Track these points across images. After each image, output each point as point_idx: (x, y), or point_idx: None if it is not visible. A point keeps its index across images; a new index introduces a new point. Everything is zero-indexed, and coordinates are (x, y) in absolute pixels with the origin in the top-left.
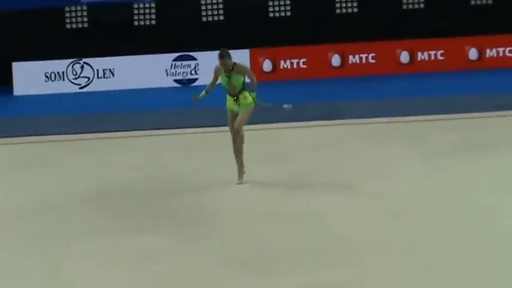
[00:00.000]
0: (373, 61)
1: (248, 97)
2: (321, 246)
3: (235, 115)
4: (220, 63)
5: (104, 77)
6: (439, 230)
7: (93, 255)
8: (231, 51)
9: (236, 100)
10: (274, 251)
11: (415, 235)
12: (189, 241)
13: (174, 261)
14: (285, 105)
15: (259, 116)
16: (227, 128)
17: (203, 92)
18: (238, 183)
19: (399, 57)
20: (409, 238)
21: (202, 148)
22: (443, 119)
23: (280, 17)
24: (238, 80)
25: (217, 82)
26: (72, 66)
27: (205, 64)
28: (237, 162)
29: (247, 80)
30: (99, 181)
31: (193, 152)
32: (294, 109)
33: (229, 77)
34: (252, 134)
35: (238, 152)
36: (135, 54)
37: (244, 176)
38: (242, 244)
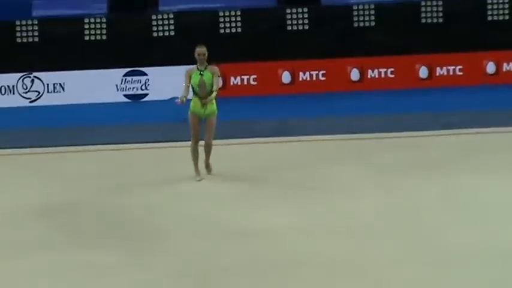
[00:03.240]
0: (324, 78)
1: (214, 103)
2: (272, 264)
3: (199, 119)
4: (201, 54)
5: (54, 91)
6: (391, 248)
7: (44, 268)
8: (182, 67)
9: (203, 104)
10: (225, 267)
11: (367, 253)
12: (141, 255)
13: (126, 275)
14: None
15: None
16: (179, 144)
17: (183, 96)
18: (199, 179)
19: (350, 74)
20: (361, 256)
21: (153, 163)
22: (393, 137)
23: (231, 33)
24: (209, 78)
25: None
26: (23, 80)
27: (156, 79)
28: (196, 162)
29: None
30: (49, 195)
31: (144, 167)
32: (245, 125)
33: (202, 74)
34: (199, 150)
35: (207, 162)
36: (85, 69)
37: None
38: (194, 259)
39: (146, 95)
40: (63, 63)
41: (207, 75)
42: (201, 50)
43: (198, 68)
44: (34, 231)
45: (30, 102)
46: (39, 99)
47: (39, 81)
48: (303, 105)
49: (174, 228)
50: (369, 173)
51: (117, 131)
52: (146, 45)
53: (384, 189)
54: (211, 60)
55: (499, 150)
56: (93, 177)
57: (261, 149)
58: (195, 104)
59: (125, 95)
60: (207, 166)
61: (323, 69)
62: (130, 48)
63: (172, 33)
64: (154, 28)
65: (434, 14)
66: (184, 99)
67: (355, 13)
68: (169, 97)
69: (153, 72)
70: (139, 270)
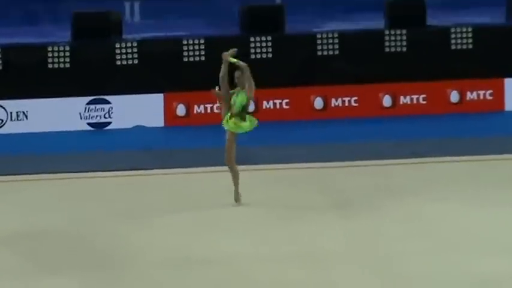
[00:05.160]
0: (287, 107)
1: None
2: None
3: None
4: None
5: (18, 120)
6: (349, 275)
7: None
8: (146, 95)
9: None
10: None
11: (328, 281)
12: (105, 284)
13: None
14: None
15: (169, 161)
16: (140, 172)
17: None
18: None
19: (313, 103)
20: (322, 284)
21: (116, 192)
22: (356, 165)
23: (194, 61)
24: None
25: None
26: None
27: (119, 108)
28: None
29: None
30: (12, 223)
31: (107, 195)
32: (208, 153)
33: (238, 96)
34: (163, 178)
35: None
36: (49, 97)
37: None
38: None
39: (110, 123)
40: (26, 91)
41: (240, 95)
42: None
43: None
44: None
45: None
46: (2, 128)
47: (3, 109)
48: (266, 133)
49: (138, 256)
50: (332, 200)
51: (80, 159)
52: (110, 73)
53: (347, 217)
54: (172, 87)
55: (462, 178)
56: (57, 205)
57: (222, 177)
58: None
59: (89, 123)
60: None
61: (286, 98)
62: (94, 77)
63: (135, 61)
64: (118, 56)
65: (398, 43)
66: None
67: (319, 41)
68: (132, 125)
69: (117, 101)
70: None
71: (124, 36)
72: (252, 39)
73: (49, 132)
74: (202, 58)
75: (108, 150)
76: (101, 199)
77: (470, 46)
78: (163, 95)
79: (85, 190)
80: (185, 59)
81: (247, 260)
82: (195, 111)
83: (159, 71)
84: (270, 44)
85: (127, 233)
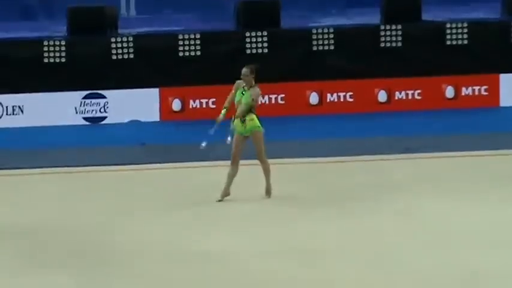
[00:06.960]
0: (282, 102)
1: (255, 120)
2: (234, 286)
3: (242, 138)
4: (243, 75)
5: (13, 114)
6: (346, 271)
7: None
8: (141, 90)
9: (243, 122)
10: None
11: (323, 276)
12: (102, 280)
13: None
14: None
15: (167, 155)
16: (136, 167)
17: (223, 111)
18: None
19: (308, 98)
20: (316, 280)
21: (112, 187)
22: (351, 161)
23: (190, 56)
24: (247, 98)
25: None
26: None
27: (115, 102)
28: (227, 181)
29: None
30: (9, 218)
31: (102, 191)
32: (205, 149)
33: (243, 94)
34: (159, 173)
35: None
36: (44, 92)
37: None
38: (160, 283)
39: (105, 117)
40: (22, 85)
41: (246, 95)
42: (243, 71)
43: (243, 87)
44: None
45: None
46: None
47: None
48: None
49: (136, 252)
50: (327, 196)
51: (76, 153)
52: (105, 68)
53: (343, 212)
54: (167, 82)
55: (457, 174)
56: (53, 200)
57: (218, 172)
58: (235, 123)
59: (84, 118)
60: (266, 190)
61: (282, 93)
62: (90, 71)
63: (131, 56)
64: (114, 51)
65: (394, 38)
66: (222, 116)
67: (315, 37)
68: (128, 120)
69: (112, 95)
70: None
71: (120, 31)
72: (247, 34)
73: (45, 126)
74: (198, 53)
75: (103, 145)
76: (96, 194)
77: (466, 42)
78: (159, 90)
79: (80, 185)
80: (181, 54)
81: (245, 255)
82: (190, 106)
83: (154, 65)
84: (265, 39)
85: (123, 228)
